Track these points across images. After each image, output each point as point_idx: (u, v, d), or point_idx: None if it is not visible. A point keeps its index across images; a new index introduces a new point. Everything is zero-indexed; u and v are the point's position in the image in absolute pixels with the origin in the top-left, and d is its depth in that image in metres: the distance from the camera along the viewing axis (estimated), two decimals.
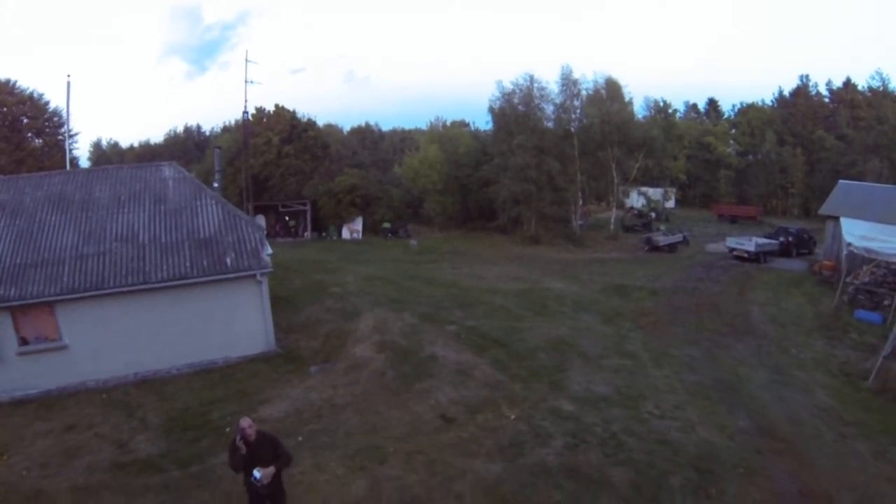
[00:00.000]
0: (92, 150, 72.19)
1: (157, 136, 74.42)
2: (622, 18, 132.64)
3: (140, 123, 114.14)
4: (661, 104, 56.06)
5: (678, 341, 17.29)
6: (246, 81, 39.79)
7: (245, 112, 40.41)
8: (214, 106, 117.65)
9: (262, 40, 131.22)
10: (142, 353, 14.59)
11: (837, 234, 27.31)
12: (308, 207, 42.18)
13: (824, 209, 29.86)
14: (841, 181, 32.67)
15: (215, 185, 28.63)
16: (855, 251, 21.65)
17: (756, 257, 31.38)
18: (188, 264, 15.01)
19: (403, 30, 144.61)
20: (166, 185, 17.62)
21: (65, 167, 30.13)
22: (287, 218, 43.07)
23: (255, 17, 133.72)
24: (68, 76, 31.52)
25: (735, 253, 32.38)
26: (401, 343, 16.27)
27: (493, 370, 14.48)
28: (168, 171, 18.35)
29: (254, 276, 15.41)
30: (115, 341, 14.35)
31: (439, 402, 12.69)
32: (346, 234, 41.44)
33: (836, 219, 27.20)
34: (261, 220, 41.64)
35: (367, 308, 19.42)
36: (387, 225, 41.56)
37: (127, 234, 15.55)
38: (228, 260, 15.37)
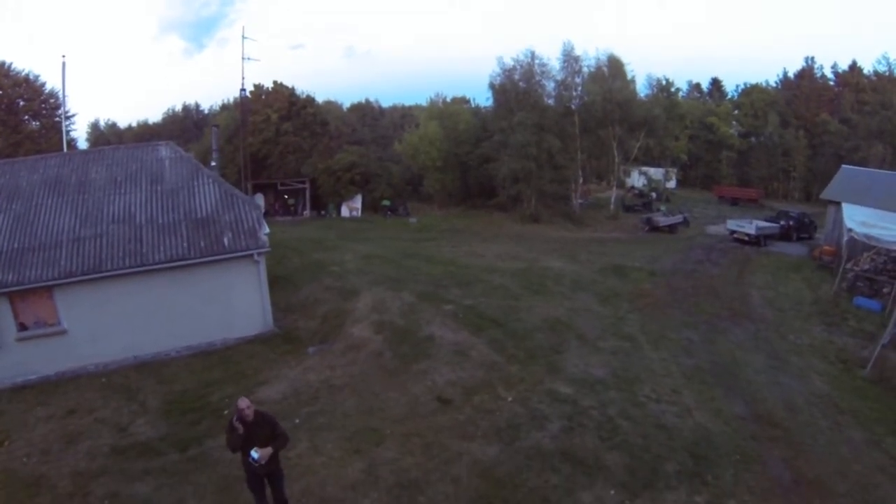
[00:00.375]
0: (90, 131, 71.38)
1: (155, 116, 73.53)
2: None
3: (138, 103, 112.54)
4: (664, 82, 55.34)
5: (676, 324, 17.29)
6: (243, 58, 38.76)
7: (242, 90, 39.56)
8: (213, 83, 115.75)
9: (261, 15, 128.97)
10: (141, 335, 14.55)
11: (839, 220, 27.04)
12: (307, 185, 41.84)
13: (826, 194, 29.62)
14: (844, 166, 32.34)
15: (213, 164, 28.33)
16: (856, 237, 21.54)
17: (756, 240, 31.32)
18: (185, 245, 14.91)
19: (405, 2, 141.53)
20: (163, 165, 17.45)
21: (62, 149, 29.78)
22: (286, 196, 42.79)
23: None
24: (63, 56, 31.12)
25: (735, 235, 32.29)
26: (399, 323, 16.24)
27: (489, 351, 14.49)
28: (165, 150, 18.17)
29: (251, 255, 15.33)
30: (114, 324, 14.30)
31: (436, 384, 12.72)
32: (345, 211, 41.23)
33: (838, 204, 27.00)
34: (260, 198, 41.39)
35: (365, 287, 19.36)
36: (386, 203, 41.31)
37: (124, 216, 15.44)
38: (226, 240, 15.29)
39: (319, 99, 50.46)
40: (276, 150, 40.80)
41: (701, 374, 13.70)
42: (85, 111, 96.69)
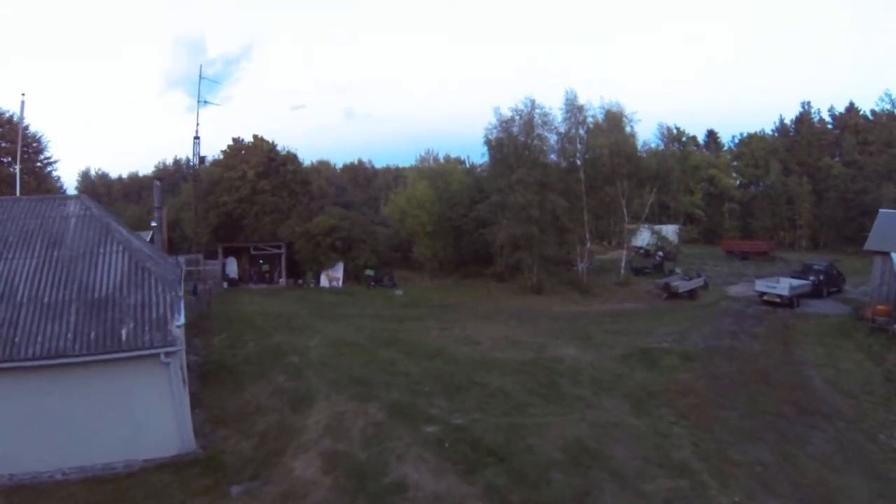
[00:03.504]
0: (80, 179, 71.27)
1: (147, 168, 73.05)
2: (615, 48, 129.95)
3: (137, 155, 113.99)
4: (675, 132, 52.68)
5: (736, 435, 13.04)
6: (199, 101, 34.62)
7: (196, 138, 34.82)
8: (212, 139, 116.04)
9: (265, 76, 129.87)
10: (17, 449, 11.31)
11: (887, 272, 24.00)
12: (283, 250, 37.94)
13: (870, 243, 26.50)
14: (882, 210, 29.23)
15: (153, 223, 24.72)
16: None
17: (789, 302, 27.62)
18: (70, 336, 11.43)
19: (407, 66, 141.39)
20: (66, 225, 14.39)
21: (14, 194, 26.00)
22: (261, 261, 38.84)
23: (259, 52, 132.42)
24: (23, 94, 28.07)
25: (766, 297, 28.55)
26: (358, 457, 11.82)
27: None
28: (73, 206, 15.15)
29: (157, 355, 11.39)
30: None
31: None
32: (324, 281, 36.76)
33: (885, 254, 24.05)
34: (231, 263, 37.65)
35: (323, 392, 15.16)
36: (370, 272, 36.82)
37: (3, 290, 12.26)
38: (124, 332, 11.66)
39: (315, 159, 47.82)
40: (252, 210, 37.19)
41: None
42: (80, 160, 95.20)
